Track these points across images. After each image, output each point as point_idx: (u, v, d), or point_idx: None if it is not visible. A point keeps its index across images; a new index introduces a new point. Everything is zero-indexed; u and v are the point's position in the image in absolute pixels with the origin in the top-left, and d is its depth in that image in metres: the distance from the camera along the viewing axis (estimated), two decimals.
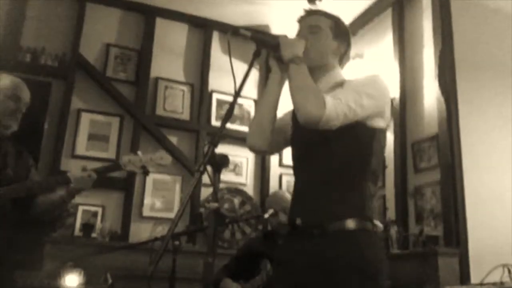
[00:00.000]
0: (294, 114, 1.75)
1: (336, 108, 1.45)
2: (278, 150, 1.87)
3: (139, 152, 2.27)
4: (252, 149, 1.82)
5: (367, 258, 1.46)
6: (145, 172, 2.23)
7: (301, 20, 1.73)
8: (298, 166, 1.68)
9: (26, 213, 2.21)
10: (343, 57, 1.72)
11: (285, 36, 1.61)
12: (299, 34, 1.70)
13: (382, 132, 1.60)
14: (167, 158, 2.26)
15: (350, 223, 1.47)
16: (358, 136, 1.53)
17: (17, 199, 2.13)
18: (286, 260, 1.57)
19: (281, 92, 1.73)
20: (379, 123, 1.57)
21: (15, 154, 2.23)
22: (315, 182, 1.56)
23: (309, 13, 1.74)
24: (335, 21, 1.72)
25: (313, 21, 1.70)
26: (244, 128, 4.36)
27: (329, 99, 1.46)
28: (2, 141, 2.20)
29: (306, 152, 1.63)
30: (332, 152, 1.54)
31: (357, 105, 1.48)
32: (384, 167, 4.01)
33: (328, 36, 1.68)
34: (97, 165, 3.97)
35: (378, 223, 1.54)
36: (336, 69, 1.70)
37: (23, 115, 2.24)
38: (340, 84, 1.62)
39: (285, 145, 1.83)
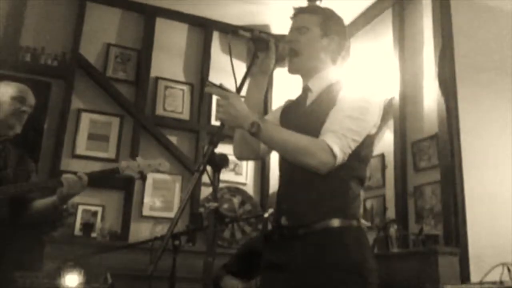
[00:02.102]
0: (282, 113, 1.75)
1: (343, 149, 1.45)
2: (269, 153, 1.84)
3: (138, 158, 2.29)
4: (239, 159, 1.83)
5: (353, 255, 1.46)
6: (142, 178, 2.26)
7: (292, 19, 1.72)
8: (283, 166, 1.67)
9: (22, 217, 2.21)
10: (335, 52, 1.70)
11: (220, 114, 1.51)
12: (288, 36, 1.68)
13: (371, 137, 1.60)
14: (165, 165, 2.29)
15: (335, 222, 1.48)
16: None
17: (14, 202, 2.13)
18: (273, 261, 1.56)
19: (262, 97, 1.71)
20: (371, 131, 1.58)
21: (16, 157, 2.24)
22: (299, 182, 1.55)
23: (297, 12, 1.72)
24: (325, 17, 1.69)
25: (300, 22, 1.69)
26: None
27: (333, 143, 1.44)
28: (5, 143, 2.21)
29: None
30: None
31: (358, 134, 1.50)
32: (384, 167, 4.02)
33: (316, 35, 1.66)
34: (97, 165, 3.98)
35: (363, 221, 1.55)
36: (328, 68, 1.68)
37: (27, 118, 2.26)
38: (334, 85, 1.61)
39: None
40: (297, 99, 1.75)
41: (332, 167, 1.45)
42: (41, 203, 2.22)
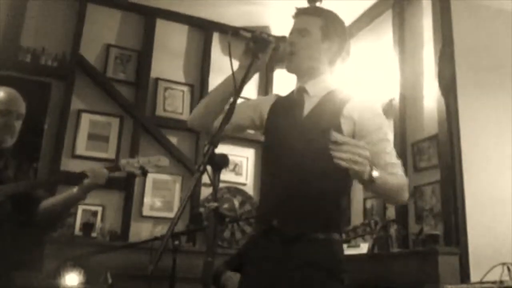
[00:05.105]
0: (272, 109, 1.73)
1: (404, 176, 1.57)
2: (238, 132, 1.84)
3: (136, 156, 2.29)
4: (191, 126, 1.79)
5: (335, 260, 1.55)
6: (144, 173, 2.26)
7: (294, 19, 1.72)
8: (273, 164, 1.64)
9: (30, 216, 2.19)
10: (335, 55, 1.71)
11: None
12: (290, 38, 1.68)
13: None
14: (164, 160, 2.29)
15: (322, 235, 1.54)
16: None
17: (19, 202, 2.12)
18: (259, 260, 1.58)
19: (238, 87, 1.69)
20: None
21: (15, 164, 2.22)
22: (297, 190, 1.55)
23: (299, 13, 1.72)
24: (326, 19, 1.69)
25: (301, 24, 1.68)
26: None
27: (404, 174, 1.56)
28: (1, 151, 2.17)
29: (287, 154, 1.59)
30: (316, 165, 1.51)
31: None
32: None
33: (317, 39, 1.66)
34: (97, 165, 3.96)
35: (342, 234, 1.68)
36: (326, 72, 1.69)
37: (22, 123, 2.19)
38: (334, 93, 1.62)
39: (248, 129, 1.83)
40: (292, 99, 1.72)
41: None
42: (57, 198, 2.21)
